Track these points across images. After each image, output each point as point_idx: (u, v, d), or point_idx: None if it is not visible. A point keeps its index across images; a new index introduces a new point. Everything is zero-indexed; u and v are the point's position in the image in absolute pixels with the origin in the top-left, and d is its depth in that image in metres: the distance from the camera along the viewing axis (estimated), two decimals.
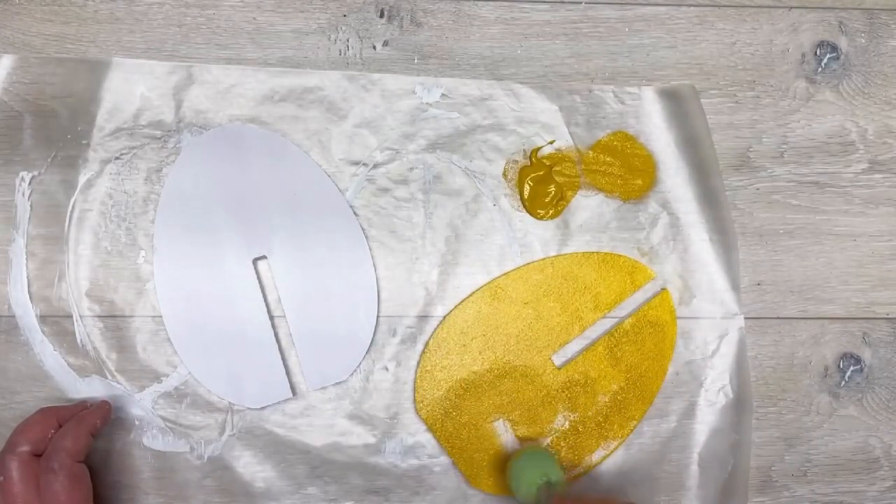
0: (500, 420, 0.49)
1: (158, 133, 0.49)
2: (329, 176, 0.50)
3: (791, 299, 0.51)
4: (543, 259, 0.50)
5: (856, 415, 0.51)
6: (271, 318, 0.49)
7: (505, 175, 0.51)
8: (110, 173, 0.49)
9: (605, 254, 0.50)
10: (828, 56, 0.52)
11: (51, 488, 0.41)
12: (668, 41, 0.52)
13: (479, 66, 0.51)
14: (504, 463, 0.48)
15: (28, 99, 0.49)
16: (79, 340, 0.48)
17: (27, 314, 0.48)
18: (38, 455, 0.42)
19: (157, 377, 0.49)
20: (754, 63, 0.52)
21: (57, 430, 0.43)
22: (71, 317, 0.48)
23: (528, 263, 0.50)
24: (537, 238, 0.50)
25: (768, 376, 0.51)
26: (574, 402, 0.49)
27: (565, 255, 0.50)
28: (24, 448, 0.42)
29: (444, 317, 0.50)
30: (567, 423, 0.49)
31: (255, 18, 0.51)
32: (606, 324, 0.50)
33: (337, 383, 0.49)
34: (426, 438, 0.49)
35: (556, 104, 0.51)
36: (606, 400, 0.50)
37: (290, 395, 0.48)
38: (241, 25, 0.51)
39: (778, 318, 0.51)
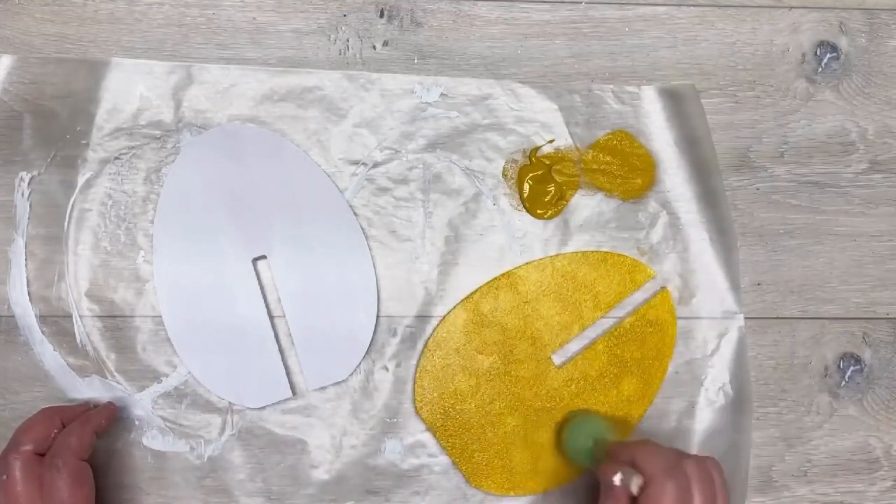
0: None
1: (158, 133, 0.49)
2: (328, 175, 0.50)
3: (791, 299, 0.51)
4: (543, 258, 0.50)
5: (856, 415, 0.51)
6: (271, 317, 0.49)
7: (504, 174, 0.51)
8: (109, 173, 0.49)
9: (605, 253, 0.50)
10: (828, 56, 0.52)
11: (54, 485, 0.41)
12: (668, 41, 0.52)
13: (479, 65, 0.51)
14: (558, 434, 0.49)
15: (28, 99, 0.49)
16: (78, 340, 0.48)
17: (27, 314, 0.48)
18: (40, 454, 0.42)
19: (156, 377, 0.49)
20: (754, 63, 0.52)
21: (60, 430, 0.44)
22: (70, 317, 0.48)
23: (528, 262, 0.50)
24: (537, 237, 0.50)
25: (768, 376, 0.51)
26: (574, 401, 0.49)
27: (565, 254, 0.50)
28: (27, 447, 0.42)
29: (444, 316, 0.50)
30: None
31: (255, 18, 0.51)
32: (606, 323, 0.50)
33: (337, 383, 0.49)
34: (426, 438, 0.49)
35: (555, 103, 0.51)
36: (606, 399, 0.49)
37: (290, 394, 0.48)
38: (241, 25, 0.51)
39: (778, 318, 0.51)
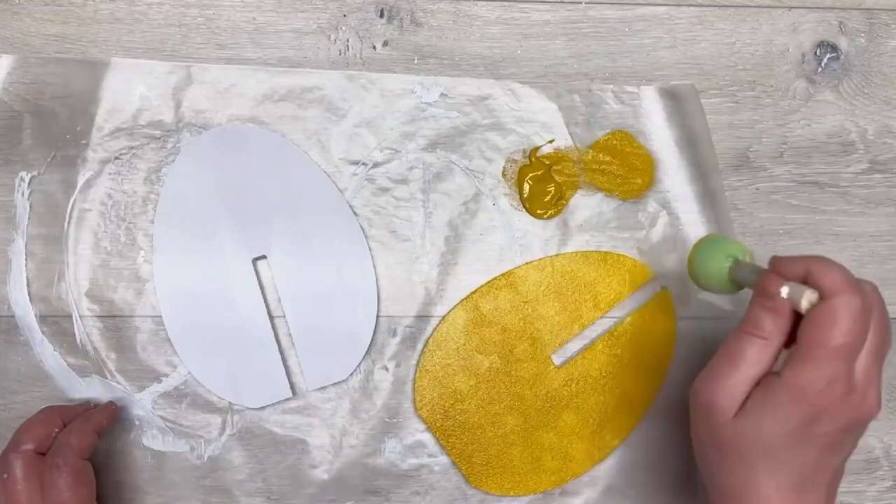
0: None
1: (158, 133, 0.49)
2: (328, 175, 0.50)
3: None
4: (543, 258, 0.50)
5: None
6: (271, 317, 0.49)
7: (504, 174, 0.51)
8: (109, 173, 0.49)
9: (605, 253, 0.50)
10: (828, 56, 0.52)
11: (55, 484, 0.41)
12: (668, 41, 0.52)
13: (479, 65, 0.51)
14: (690, 260, 0.45)
15: (28, 99, 0.49)
16: (78, 340, 0.48)
17: (27, 314, 0.48)
18: (41, 453, 0.42)
19: (156, 377, 0.49)
20: (754, 63, 0.52)
21: (61, 430, 0.44)
22: (70, 317, 0.48)
23: (528, 262, 0.50)
24: (537, 237, 0.50)
25: None
26: (574, 401, 0.49)
27: (565, 254, 0.50)
28: (28, 446, 0.42)
29: (444, 316, 0.50)
30: (568, 421, 0.49)
31: (254, 18, 0.51)
32: (606, 323, 0.50)
33: (337, 383, 0.49)
34: (426, 438, 0.49)
35: (555, 103, 0.51)
36: (606, 399, 0.50)
37: (290, 394, 0.49)
38: (240, 25, 0.51)
39: None
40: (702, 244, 0.44)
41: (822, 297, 0.35)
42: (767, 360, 0.36)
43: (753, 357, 0.36)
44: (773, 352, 0.37)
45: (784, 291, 0.36)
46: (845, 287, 0.35)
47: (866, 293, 0.36)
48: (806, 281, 0.36)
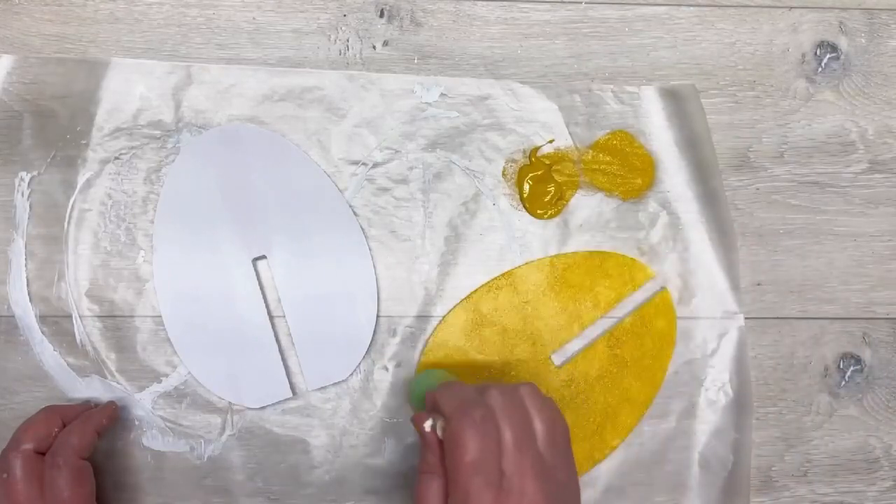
0: None
1: (158, 133, 0.49)
2: (328, 175, 0.50)
3: (791, 299, 0.51)
4: (543, 258, 0.50)
5: (856, 415, 0.51)
6: (271, 317, 0.49)
7: (504, 174, 0.51)
8: (109, 173, 0.49)
9: (605, 253, 0.50)
10: (828, 56, 0.52)
11: (55, 484, 0.41)
12: (668, 41, 0.52)
13: (479, 66, 0.51)
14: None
15: (28, 99, 0.49)
16: (78, 340, 0.48)
17: (26, 314, 0.48)
18: (41, 453, 0.42)
19: (156, 377, 0.49)
20: (754, 63, 0.52)
21: (61, 429, 0.44)
22: (70, 317, 0.48)
23: (528, 262, 0.50)
24: (537, 237, 0.50)
25: (768, 376, 0.51)
26: (574, 401, 0.49)
27: (565, 254, 0.50)
28: (28, 446, 0.42)
29: (444, 316, 0.50)
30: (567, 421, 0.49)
31: (254, 18, 0.51)
32: (606, 323, 0.50)
33: (336, 383, 0.49)
34: None
35: (555, 103, 0.51)
36: (606, 399, 0.49)
37: (290, 394, 0.48)
38: (240, 25, 0.51)
39: (778, 318, 0.51)
40: (415, 377, 0.48)
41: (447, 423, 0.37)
42: (442, 491, 0.37)
43: (432, 492, 0.37)
44: (444, 482, 0.37)
45: (427, 425, 0.38)
46: (455, 409, 0.37)
47: (481, 404, 0.37)
48: (437, 410, 0.38)
